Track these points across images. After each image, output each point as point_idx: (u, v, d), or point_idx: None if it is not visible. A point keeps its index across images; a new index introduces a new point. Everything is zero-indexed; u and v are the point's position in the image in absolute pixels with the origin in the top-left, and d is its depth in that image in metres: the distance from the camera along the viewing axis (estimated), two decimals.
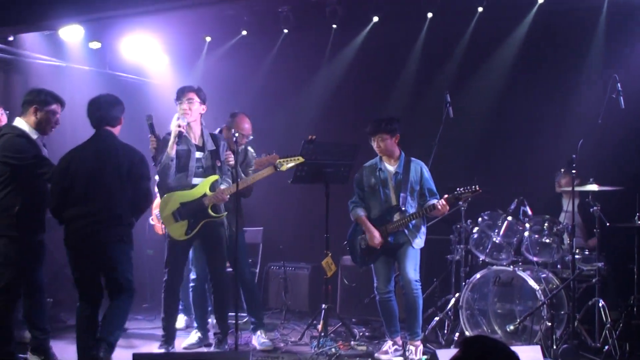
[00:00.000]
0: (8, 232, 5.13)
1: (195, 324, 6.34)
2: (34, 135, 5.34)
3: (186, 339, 6.30)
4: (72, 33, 7.74)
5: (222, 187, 5.83)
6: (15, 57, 8.00)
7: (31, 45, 8.08)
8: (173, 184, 5.77)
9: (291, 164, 5.88)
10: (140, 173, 5.13)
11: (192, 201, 5.74)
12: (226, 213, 5.92)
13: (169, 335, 5.92)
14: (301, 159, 5.94)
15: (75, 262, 5.06)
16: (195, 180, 5.80)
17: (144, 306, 7.71)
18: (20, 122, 5.35)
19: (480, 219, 6.59)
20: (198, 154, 5.84)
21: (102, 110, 5.20)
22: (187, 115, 5.81)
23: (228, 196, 5.82)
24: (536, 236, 6.34)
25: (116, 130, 5.26)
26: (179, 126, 5.72)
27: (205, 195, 5.75)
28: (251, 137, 6.33)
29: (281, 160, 5.85)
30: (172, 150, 5.71)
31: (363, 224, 6.01)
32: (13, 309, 5.26)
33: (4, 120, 6.00)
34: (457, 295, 6.47)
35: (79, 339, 5.09)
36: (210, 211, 5.77)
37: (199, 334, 6.22)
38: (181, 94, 5.88)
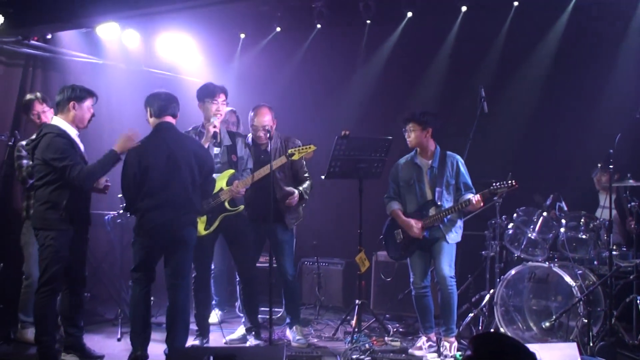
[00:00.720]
0: (58, 226, 5.24)
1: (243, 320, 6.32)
2: (73, 132, 5.43)
3: (231, 334, 6.36)
4: (108, 31, 7.83)
5: (237, 181, 5.85)
6: (53, 54, 8.10)
7: (68, 43, 8.18)
8: None
9: (303, 153, 5.87)
10: (210, 163, 5.56)
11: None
12: (242, 207, 5.93)
13: (203, 329, 6.00)
14: (313, 147, 5.91)
15: (146, 247, 5.30)
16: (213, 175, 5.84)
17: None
18: (59, 121, 5.43)
19: (515, 215, 6.53)
20: (215, 150, 5.92)
21: (165, 100, 5.50)
22: (219, 116, 5.90)
23: (244, 190, 5.85)
24: (572, 232, 6.28)
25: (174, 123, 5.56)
26: (215, 126, 5.84)
27: (221, 189, 5.82)
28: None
29: (293, 149, 5.86)
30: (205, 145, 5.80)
31: (397, 217, 6.00)
32: (55, 301, 5.34)
33: (50, 117, 6.09)
34: (491, 291, 6.43)
35: (135, 319, 5.34)
36: (227, 205, 5.82)
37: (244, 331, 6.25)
38: (213, 94, 5.93)
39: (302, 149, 5.85)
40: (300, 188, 6.10)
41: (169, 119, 5.47)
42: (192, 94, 8.20)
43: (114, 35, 8.01)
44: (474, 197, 5.64)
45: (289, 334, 6.29)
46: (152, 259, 5.37)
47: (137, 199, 5.28)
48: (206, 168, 5.47)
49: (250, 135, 6.24)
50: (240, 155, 6.01)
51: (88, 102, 5.49)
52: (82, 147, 5.53)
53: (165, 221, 5.22)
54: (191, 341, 5.93)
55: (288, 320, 6.34)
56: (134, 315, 5.36)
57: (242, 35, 9.13)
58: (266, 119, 6.04)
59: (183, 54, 9.03)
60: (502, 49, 7.94)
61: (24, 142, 6.10)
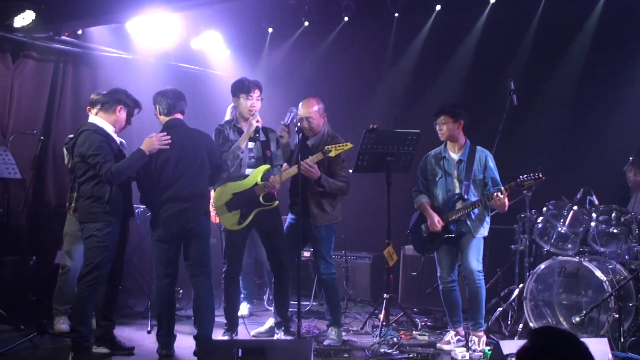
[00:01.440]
0: (103, 218, 5.36)
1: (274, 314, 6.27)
2: (110, 129, 5.55)
3: (259, 327, 6.40)
4: (137, 26, 7.90)
5: (273, 176, 5.85)
6: (83, 50, 8.20)
7: (98, 38, 8.27)
8: (226, 174, 5.85)
9: (340, 150, 5.84)
10: (217, 153, 5.72)
11: (244, 191, 5.81)
12: (277, 202, 5.93)
13: (232, 323, 6.02)
14: (350, 145, 5.89)
15: (163, 240, 5.51)
16: (247, 171, 5.87)
17: None
18: (98, 119, 5.55)
19: (545, 209, 6.47)
20: (250, 144, 5.90)
21: (174, 98, 5.67)
22: (253, 111, 5.90)
23: (279, 185, 5.85)
24: (603, 226, 6.19)
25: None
26: (258, 121, 5.81)
27: (256, 184, 5.82)
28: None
29: (330, 146, 5.82)
30: (244, 142, 5.81)
31: (424, 210, 5.99)
32: (96, 292, 5.41)
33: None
34: (521, 285, 6.39)
35: (162, 311, 5.53)
36: (262, 200, 5.82)
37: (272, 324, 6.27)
38: (248, 90, 5.89)
39: (339, 146, 5.78)
40: (325, 178, 5.88)
41: (178, 115, 5.66)
42: (220, 88, 8.29)
43: (143, 30, 8.07)
44: (498, 192, 5.59)
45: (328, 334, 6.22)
46: (171, 253, 5.52)
47: (152, 192, 5.53)
48: (216, 161, 5.69)
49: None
50: (274, 150, 6.02)
51: (132, 112, 5.67)
52: (118, 141, 5.63)
53: (178, 213, 5.46)
54: (220, 335, 5.98)
55: (329, 317, 6.22)
56: (159, 310, 5.56)
57: (270, 30, 9.15)
58: (309, 110, 5.97)
59: (211, 48, 9.08)
60: (532, 40, 7.85)
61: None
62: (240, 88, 5.93)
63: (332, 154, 5.76)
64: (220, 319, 6.08)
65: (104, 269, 5.37)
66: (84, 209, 5.43)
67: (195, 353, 5.21)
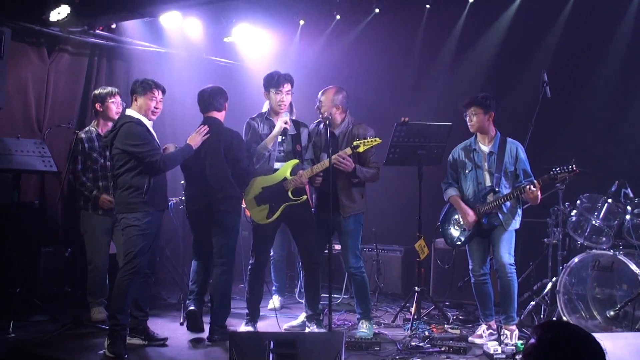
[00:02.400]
0: (142, 208, 5.45)
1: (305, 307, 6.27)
2: (147, 122, 5.62)
3: (291, 321, 6.43)
4: (171, 19, 7.96)
5: (301, 171, 5.85)
6: (117, 44, 8.29)
7: (132, 32, 8.35)
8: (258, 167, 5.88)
9: (368, 146, 5.82)
10: (238, 154, 5.81)
11: (273, 185, 5.83)
12: (305, 197, 5.93)
13: (254, 314, 6.08)
14: (378, 140, 5.86)
15: (193, 228, 6.10)
16: (276, 165, 5.88)
17: (240, 286, 7.88)
18: (132, 112, 5.62)
19: (579, 202, 6.39)
20: (280, 138, 5.91)
21: (208, 98, 5.96)
22: (284, 106, 5.91)
23: (307, 180, 5.85)
24: (638, 219, 6.11)
25: (221, 115, 6.00)
26: (286, 122, 5.82)
27: (285, 179, 5.82)
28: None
29: (358, 141, 5.81)
30: (270, 142, 5.83)
31: (455, 203, 5.97)
32: (136, 282, 5.48)
33: (118, 110, 6.33)
34: (554, 279, 6.33)
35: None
36: (290, 195, 5.83)
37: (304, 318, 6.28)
38: (278, 84, 5.89)
39: (368, 141, 5.76)
40: (359, 168, 5.88)
41: (214, 113, 5.96)
42: (252, 80, 8.32)
43: (176, 24, 8.13)
44: (530, 185, 5.54)
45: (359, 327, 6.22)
46: (199, 238, 6.02)
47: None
48: (234, 160, 5.82)
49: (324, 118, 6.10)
50: (304, 144, 6.02)
51: (151, 94, 5.64)
52: (155, 135, 5.70)
53: (199, 207, 5.89)
54: (242, 326, 6.04)
55: (359, 311, 6.21)
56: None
57: (302, 22, 9.15)
58: (329, 98, 5.96)
59: (243, 42, 9.11)
60: (566, 30, 7.72)
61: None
62: (271, 82, 5.93)
63: (361, 149, 5.76)
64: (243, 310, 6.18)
65: (143, 257, 5.44)
66: (122, 200, 5.51)
67: (208, 338, 5.79)
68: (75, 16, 7.14)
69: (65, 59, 7.89)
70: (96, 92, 6.55)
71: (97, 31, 7.90)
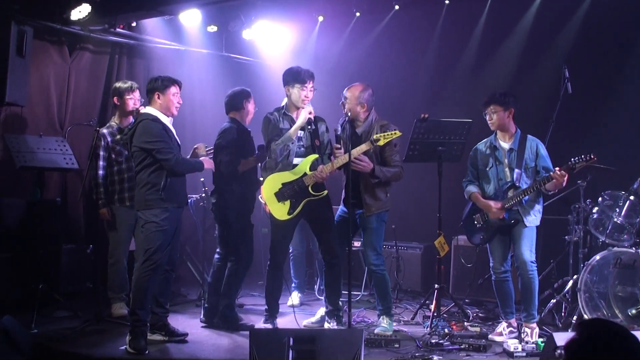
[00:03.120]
0: (159, 205, 5.47)
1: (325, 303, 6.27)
2: (165, 119, 5.64)
3: (310, 317, 6.43)
4: (190, 17, 7.99)
5: (322, 166, 5.83)
6: (137, 42, 8.34)
7: (152, 30, 8.40)
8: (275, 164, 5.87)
9: (388, 139, 5.79)
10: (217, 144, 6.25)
11: (293, 181, 5.81)
12: (326, 192, 5.91)
13: (273, 311, 6.10)
14: (399, 133, 5.84)
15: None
16: (296, 160, 5.87)
17: (260, 283, 7.91)
18: (151, 109, 5.65)
19: (600, 199, 6.33)
20: (300, 133, 5.90)
21: (227, 99, 6.44)
22: (307, 102, 5.89)
23: (327, 175, 5.82)
24: None
25: (239, 115, 6.38)
26: (310, 112, 5.81)
27: (305, 174, 5.81)
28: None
29: (378, 135, 5.79)
30: (295, 133, 5.82)
31: (476, 200, 5.95)
32: (156, 277, 5.52)
33: (135, 106, 6.39)
34: (575, 277, 6.29)
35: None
36: (311, 190, 5.82)
37: (322, 313, 6.28)
38: (303, 80, 5.86)
39: (388, 134, 5.74)
40: (379, 168, 5.86)
41: (232, 114, 6.39)
42: (270, 77, 8.33)
43: (196, 21, 8.16)
44: (555, 172, 5.50)
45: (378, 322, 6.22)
46: (221, 235, 6.42)
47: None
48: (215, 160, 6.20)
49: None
50: (322, 139, 6.02)
51: (171, 91, 5.66)
52: (174, 132, 5.73)
53: (212, 205, 6.37)
54: (262, 323, 6.07)
55: (380, 307, 6.21)
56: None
57: (321, 18, 9.14)
58: (354, 95, 5.93)
59: (262, 39, 9.12)
60: (586, 26, 7.66)
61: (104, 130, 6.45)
62: (296, 78, 5.89)
63: (381, 142, 5.72)
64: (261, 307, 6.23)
65: (163, 254, 5.47)
66: (140, 197, 5.55)
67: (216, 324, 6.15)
68: (96, 15, 7.19)
69: (86, 57, 7.95)
70: (116, 85, 6.61)
71: (118, 29, 7.96)
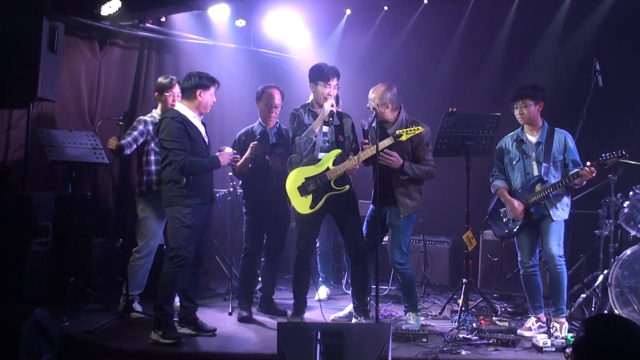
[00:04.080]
0: (183, 202, 5.50)
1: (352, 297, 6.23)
2: (194, 117, 5.65)
3: (338, 312, 6.44)
4: (219, 12, 8.02)
5: (345, 161, 5.80)
6: (166, 37, 8.40)
7: (181, 25, 8.44)
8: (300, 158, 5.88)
9: (411, 134, 5.75)
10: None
11: (316, 175, 5.81)
12: (348, 187, 5.87)
13: (300, 305, 6.12)
14: (421, 129, 5.78)
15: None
16: (320, 155, 5.87)
17: (287, 277, 7.94)
18: (181, 106, 5.67)
19: (631, 193, 6.25)
20: (325, 129, 5.89)
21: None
22: (329, 99, 5.88)
23: (353, 167, 5.77)
24: None
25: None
26: (332, 105, 5.81)
27: (328, 169, 5.81)
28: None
29: (401, 130, 5.76)
30: (317, 126, 5.82)
31: (502, 196, 5.91)
32: (183, 273, 5.56)
33: (174, 102, 6.33)
34: (605, 272, 6.22)
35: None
36: (333, 185, 5.82)
37: (350, 309, 6.28)
38: (327, 77, 5.86)
39: (410, 130, 5.67)
40: (409, 164, 5.80)
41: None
42: (298, 71, 8.35)
43: (224, 16, 8.19)
44: (584, 169, 5.45)
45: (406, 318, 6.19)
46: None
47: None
48: None
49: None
50: (347, 135, 6.02)
51: (212, 90, 5.70)
52: (202, 130, 5.73)
53: None
54: (290, 317, 6.11)
55: (406, 304, 6.17)
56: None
57: (348, 11, 9.12)
58: (378, 95, 5.87)
59: (289, 33, 9.13)
60: (613, 16, 7.56)
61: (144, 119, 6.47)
62: (320, 75, 5.91)
63: (403, 138, 5.67)
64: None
65: (188, 249, 5.50)
66: (166, 193, 5.60)
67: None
68: (126, 10, 7.25)
69: (116, 52, 8.03)
70: (158, 80, 6.59)
71: (147, 25, 8.01)
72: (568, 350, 4.27)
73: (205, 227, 5.76)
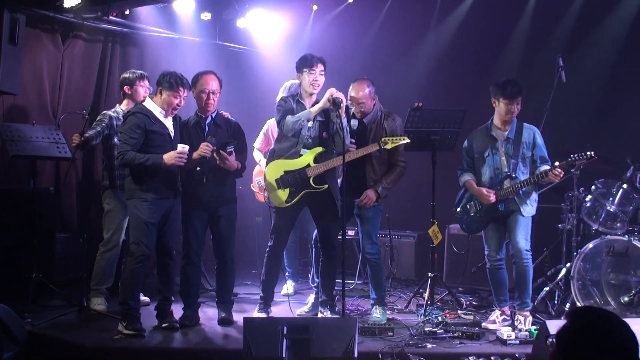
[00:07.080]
0: (140, 195, 5.52)
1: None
2: (160, 112, 5.64)
3: (303, 307, 6.44)
4: (184, 5, 7.95)
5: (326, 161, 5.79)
6: (131, 30, 8.28)
7: (146, 18, 8.33)
8: (284, 149, 5.85)
9: (396, 143, 5.80)
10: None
11: (296, 170, 5.79)
12: (327, 185, 5.82)
13: (268, 299, 6.09)
14: (407, 140, 5.84)
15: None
16: (303, 150, 5.83)
17: (253, 272, 7.91)
18: (149, 101, 5.70)
19: (593, 187, 6.35)
20: (309, 123, 5.86)
21: None
22: (317, 86, 5.84)
23: (337, 167, 5.80)
24: None
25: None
26: (332, 95, 5.69)
27: (308, 165, 5.79)
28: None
29: (386, 138, 5.80)
30: (316, 111, 5.76)
31: (470, 187, 5.95)
32: (144, 267, 5.60)
33: (146, 94, 6.32)
34: (568, 265, 6.31)
35: None
36: (312, 182, 5.80)
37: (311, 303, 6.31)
38: (311, 64, 5.81)
39: (396, 139, 5.77)
40: (381, 187, 5.93)
41: None
42: (265, 66, 8.31)
43: (189, 9, 8.11)
44: (552, 171, 5.51)
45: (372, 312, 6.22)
46: None
47: None
48: None
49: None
50: (331, 132, 5.94)
51: (173, 92, 5.60)
52: (170, 126, 5.72)
53: None
54: (256, 312, 6.06)
55: (374, 296, 6.21)
56: None
57: (315, 7, 9.10)
58: (360, 94, 5.94)
59: (256, 27, 9.07)
60: (579, 13, 7.67)
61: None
62: (304, 63, 5.85)
63: (389, 146, 5.75)
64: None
65: (147, 245, 5.50)
66: (126, 186, 5.64)
67: (218, 322, 5.84)
68: (89, 3, 7.15)
69: (80, 45, 7.89)
70: (125, 75, 6.53)
71: (111, 17, 7.89)
72: (550, 340, 4.33)
73: (170, 222, 5.72)
